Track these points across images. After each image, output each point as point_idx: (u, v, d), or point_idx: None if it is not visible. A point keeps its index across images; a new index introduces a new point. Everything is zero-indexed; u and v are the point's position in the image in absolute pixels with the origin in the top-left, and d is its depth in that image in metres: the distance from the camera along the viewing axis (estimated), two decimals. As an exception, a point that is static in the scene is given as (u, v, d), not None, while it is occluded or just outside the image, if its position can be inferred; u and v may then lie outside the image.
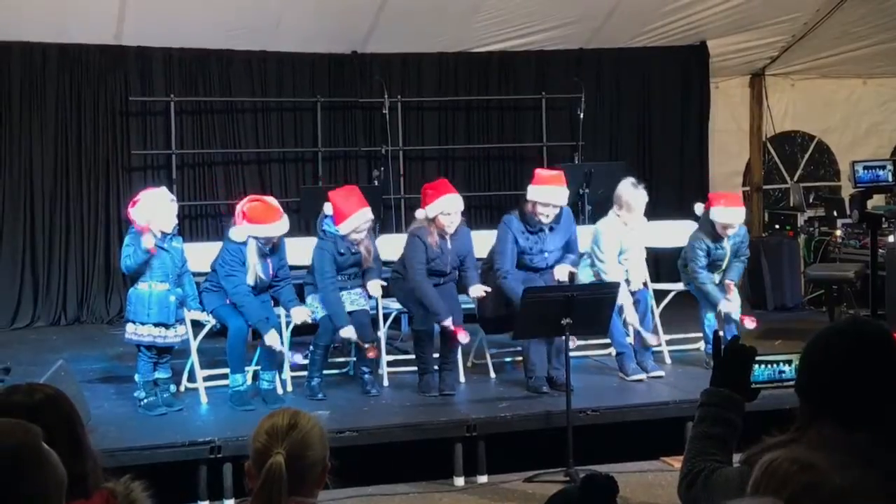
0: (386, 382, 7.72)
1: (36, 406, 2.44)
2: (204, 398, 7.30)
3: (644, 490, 6.46)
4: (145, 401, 7.01)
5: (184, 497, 6.26)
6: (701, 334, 8.25)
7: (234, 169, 10.66)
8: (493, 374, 7.95)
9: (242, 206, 7.20)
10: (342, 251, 7.32)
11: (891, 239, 9.42)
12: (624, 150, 11.47)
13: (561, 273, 7.62)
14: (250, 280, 7.12)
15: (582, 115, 10.78)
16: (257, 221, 7.08)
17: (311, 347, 7.39)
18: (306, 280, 7.58)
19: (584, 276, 7.91)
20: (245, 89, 10.68)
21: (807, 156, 12.58)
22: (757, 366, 2.63)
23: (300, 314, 7.31)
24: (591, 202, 9.57)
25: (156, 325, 6.94)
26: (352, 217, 7.25)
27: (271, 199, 7.41)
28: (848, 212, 10.43)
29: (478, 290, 7.48)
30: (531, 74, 11.37)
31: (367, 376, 7.47)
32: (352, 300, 7.42)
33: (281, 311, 7.54)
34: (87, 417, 5.60)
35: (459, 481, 6.70)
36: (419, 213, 7.55)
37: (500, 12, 10.48)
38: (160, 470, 5.87)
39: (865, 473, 2.02)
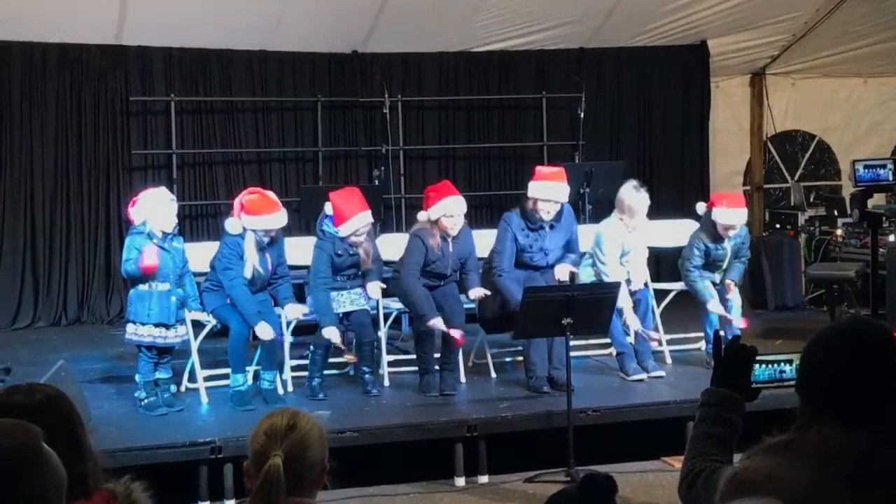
0: (387, 382, 7.72)
1: (36, 406, 2.43)
2: (204, 398, 7.30)
3: (645, 490, 6.46)
4: (146, 401, 7.01)
5: (184, 497, 6.25)
6: (702, 334, 8.25)
7: (234, 168, 10.66)
8: (493, 374, 7.95)
9: (241, 198, 7.22)
10: (340, 252, 7.32)
11: (891, 238, 9.42)
12: (624, 150, 11.47)
13: (561, 273, 7.62)
14: (248, 273, 7.12)
15: (582, 115, 10.78)
16: (255, 213, 7.10)
17: (311, 348, 7.40)
18: (306, 280, 7.58)
19: (585, 276, 7.91)
20: (245, 89, 10.68)
21: (807, 155, 12.58)
22: (757, 365, 2.63)
23: (294, 311, 7.32)
24: (592, 201, 9.57)
25: (156, 325, 6.94)
26: (352, 220, 7.25)
27: (270, 193, 7.41)
28: (848, 211, 10.43)
29: (477, 292, 7.48)
30: (532, 74, 11.37)
31: (367, 376, 7.46)
32: (352, 300, 7.42)
33: (288, 316, 7.53)
34: (87, 418, 5.60)
35: (460, 481, 6.70)
36: (421, 216, 7.55)
37: (501, 12, 10.48)
38: (161, 470, 5.88)
39: (824, 479, 2.04)
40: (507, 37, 10.97)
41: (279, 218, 7.18)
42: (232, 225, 7.14)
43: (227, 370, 7.25)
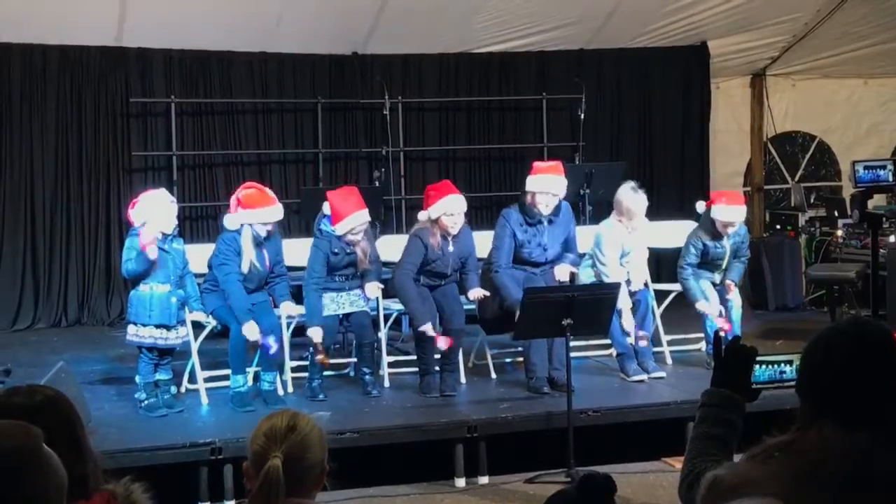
0: (387, 383, 7.72)
1: (36, 408, 2.43)
2: (205, 399, 7.30)
3: (645, 491, 6.46)
4: (146, 402, 7.01)
5: (184, 499, 6.25)
6: (702, 335, 8.25)
7: (234, 170, 10.66)
8: (493, 375, 7.95)
9: (237, 193, 7.25)
10: (336, 251, 7.33)
11: (892, 239, 9.42)
12: (625, 151, 11.47)
13: (562, 273, 7.62)
14: (245, 268, 7.13)
15: (582, 116, 10.78)
16: (252, 206, 7.12)
17: (311, 349, 7.39)
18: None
19: (585, 277, 7.91)
20: (245, 90, 10.69)
21: (808, 156, 12.59)
22: (758, 366, 2.63)
23: (289, 308, 7.33)
24: (592, 202, 9.57)
25: (157, 326, 6.94)
26: (348, 218, 7.26)
27: (266, 188, 7.43)
28: (849, 212, 10.43)
29: (477, 293, 7.48)
30: (532, 75, 11.38)
31: (367, 377, 7.47)
32: (351, 301, 7.42)
33: (282, 313, 7.54)
34: (87, 419, 5.60)
35: (460, 482, 6.70)
36: (422, 215, 7.56)
37: (501, 13, 10.48)
38: (161, 471, 5.88)
39: (806, 487, 2.06)
40: (507, 38, 10.97)
41: (276, 211, 7.21)
42: (230, 220, 7.16)
43: (228, 371, 7.25)
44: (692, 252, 8.01)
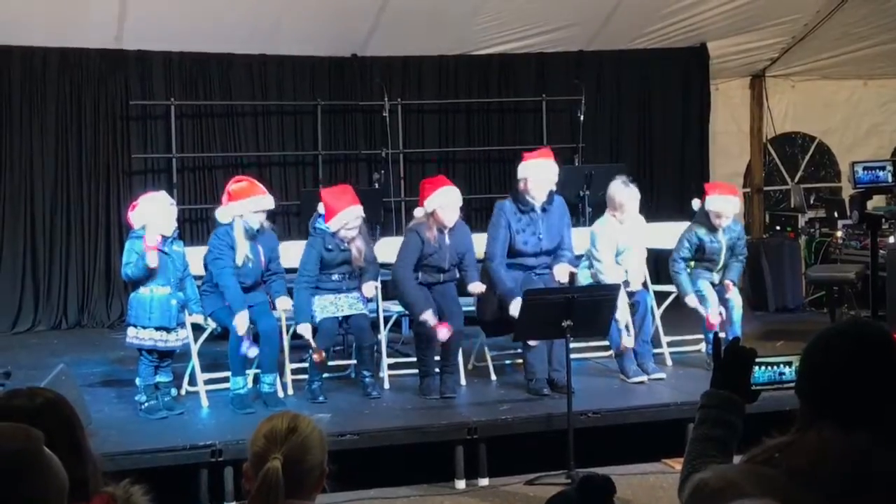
0: (387, 385, 7.72)
1: (36, 410, 2.43)
2: (205, 402, 7.30)
3: (646, 492, 6.45)
4: (146, 404, 7.01)
5: (185, 501, 6.26)
6: (701, 336, 8.25)
7: (234, 172, 10.56)
8: (493, 377, 7.95)
9: (228, 186, 7.31)
10: (330, 247, 7.36)
11: (891, 240, 9.42)
12: (624, 152, 11.48)
13: (561, 274, 7.63)
14: (239, 260, 7.15)
15: (582, 118, 10.79)
16: (243, 196, 7.16)
17: (310, 351, 7.39)
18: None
19: (583, 278, 7.91)
20: (245, 93, 10.69)
21: (807, 157, 12.59)
22: (757, 367, 2.63)
23: (284, 303, 7.34)
24: (592, 204, 9.56)
25: (157, 328, 6.94)
26: (341, 213, 7.30)
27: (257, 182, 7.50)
28: (848, 213, 10.43)
29: (477, 287, 7.50)
30: (531, 77, 11.38)
31: (367, 379, 7.47)
32: (350, 304, 7.42)
33: (281, 315, 7.55)
34: (87, 422, 5.60)
35: (460, 484, 6.70)
36: (418, 211, 7.61)
37: (500, 15, 10.49)
38: (161, 474, 5.87)
39: (796, 493, 2.07)
40: (506, 40, 10.98)
41: (265, 199, 7.26)
42: (222, 213, 7.21)
43: (228, 373, 7.25)
44: (685, 246, 8.05)
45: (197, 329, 7.37)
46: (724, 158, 12.09)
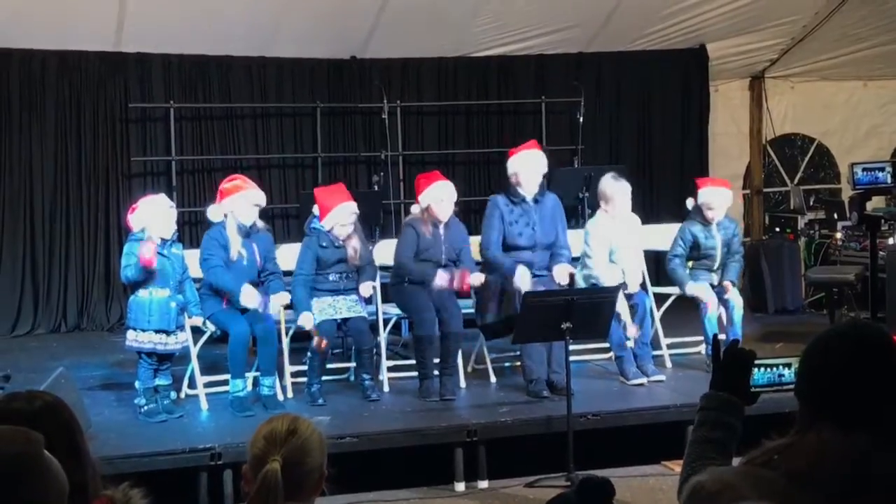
0: (386, 388, 7.72)
1: (35, 413, 2.43)
2: (204, 405, 7.30)
3: (646, 495, 6.45)
4: (146, 408, 7.01)
5: (184, 504, 6.26)
6: (701, 338, 8.25)
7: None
8: (493, 379, 7.95)
9: (221, 186, 7.38)
10: (324, 244, 7.41)
11: (891, 241, 9.42)
12: (624, 154, 11.47)
13: (561, 274, 7.64)
14: (233, 255, 7.17)
15: (581, 119, 10.79)
16: (234, 191, 7.23)
17: (309, 354, 7.40)
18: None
19: (580, 280, 7.92)
20: (244, 95, 10.69)
21: (807, 158, 12.59)
22: (756, 369, 2.62)
23: (281, 298, 7.35)
24: (591, 206, 9.55)
25: (156, 331, 6.94)
26: (334, 210, 7.36)
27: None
28: (848, 214, 10.44)
29: (477, 277, 7.52)
30: (531, 78, 11.38)
31: (367, 382, 7.47)
32: (348, 307, 7.43)
33: (281, 318, 7.55)
34: (86, 425, 5.60)
35: (460, 487, 6.70)
36: (414, 209, 7.70)
37: (499, 16, 10.49)
38: (160, 477, 5.87)
39: (798, 486, 2.07)
40: (505, 41, 10.98)
41: (257, 193, 7.31)
42: (213, 211, 7.25)
43: (227, 376, 7.25)
44: (679, 244, 8.12)
45: (196, 332, 7.37)
46: (723, 160, 12.08)
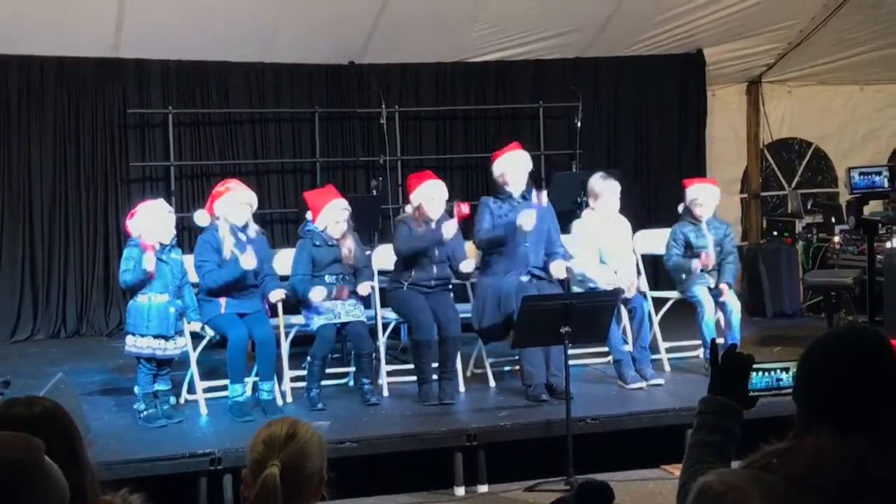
0: (386, 392, 7.73)
1: (34, 419, 2.44)
2: (204, 410, 7.30)
3: (645, 498, 6.46)
4: (145, 413, 7.01)
5: (184, 509, 6.25)
6: (699, 342, 8.25)
7: (232, 180, 10.66)
8: (492, 383, 7.95)
9: (212, 191, 7.49)
10: (318, 243, 7.47)
11: (888, 245, 9.42)
12: (621, 159, 11.48)
13: (558, 270, 7.67)
14: (226, 254, 7.20)
15: (579, 124, 10.79)
16: (223, 195, 7.28)
17: (309, 359, 7.40)
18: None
19: (576, 286, 7.95)
20: (243, 100, 10.70)
21: (804, 162, 12.59)
22: (755, 373, 2.63)
23: (276, 295, 7.38)
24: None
25: (155, 336, 6.94)
26: (325, 208, 7.44)
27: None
28: (845, 218, 10.45)
29: (468, 264, 7.57)
30: (528, 83, 11.39)
31: (366, 386, 7.47)
32: (347, 311, 7.43)
33: (280, 323, 7.55)
34: (85, 431, 5.60)
35: (460, 491, 6.70)
36: (407, 209, 7.79)
37: (497, 22, 10.50)
38: (160, 482, 5.87)
39: (797, 490, 2.08)
40: (503, 47, 10.99)
41: (246, 192, 7.38)
42: (199, 216, 7.30)
43: (226, 381, 7.25)
44: (673, 244, 8.22)
45: (195, 337, 7.37)
46: (720, 164, 12.09)
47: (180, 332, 7.11)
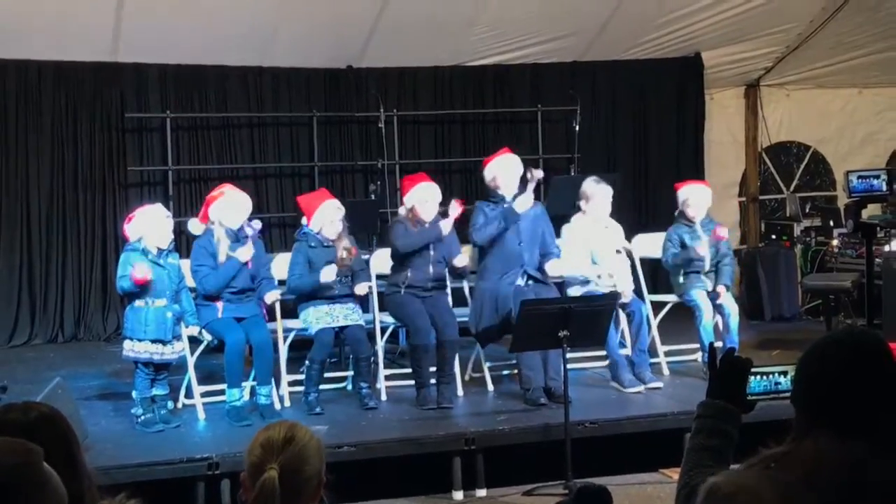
0: (384, 396, 7.72)
1: (31, 424, 2.43)
2: (201, 414, 7.29)
3: (643, 502, 6.46)
4: (142, 417, 7.00)
5: (182, 514, 6.24)
6: (698, 345, 8.26)
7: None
8: (490, 387, 7.95)
9: (208, 196, 7.53)
10: (313, 244, 7.50)
11: (887, 248, 9.43)
12: (620, 162, 11.48)
13: (553, 269, 7.71)
14: (221, 257, 7.19)
15: (577, 128, 10.80)
16: (217, 199, 7.33)
17: (307, 363, 7.40)
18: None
19: (574, 291, 7.95)
20: (241, 104, 10.70)
21: (802, 166, 12.59)
22: (753, 377, 2.63)
23: (272, 296, 7.39)
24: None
25: (153, 341, 6.94)
26: (318, 210, 7.48)
27: None
28: (843, 221, 10.45)
29: (462, 259, 7.65)
30: (526, 87, 11.39)
31: (364, 390, 7.47)
32: (345, 315, 7.44)
33: (278, 327, 7.55)
34: (83, 436, 5.60)
35: (458, 495, 6.70)
36: (402, 210, 7.83)
37: (495, 26, 10.50)
38: (158, 487, 5.87)
39: (803, 497, 2.08)
40: (501, 50, 10.99)
41: (241, 196, 7.41)
42: (193, 224, 7.34)
43: (224, 386, 7.25)
44: (669, 246, 8.25)
45: (193, 341, 7.37)
46: (719, 168, 12.09)
47: (178, 337, 7.11)
